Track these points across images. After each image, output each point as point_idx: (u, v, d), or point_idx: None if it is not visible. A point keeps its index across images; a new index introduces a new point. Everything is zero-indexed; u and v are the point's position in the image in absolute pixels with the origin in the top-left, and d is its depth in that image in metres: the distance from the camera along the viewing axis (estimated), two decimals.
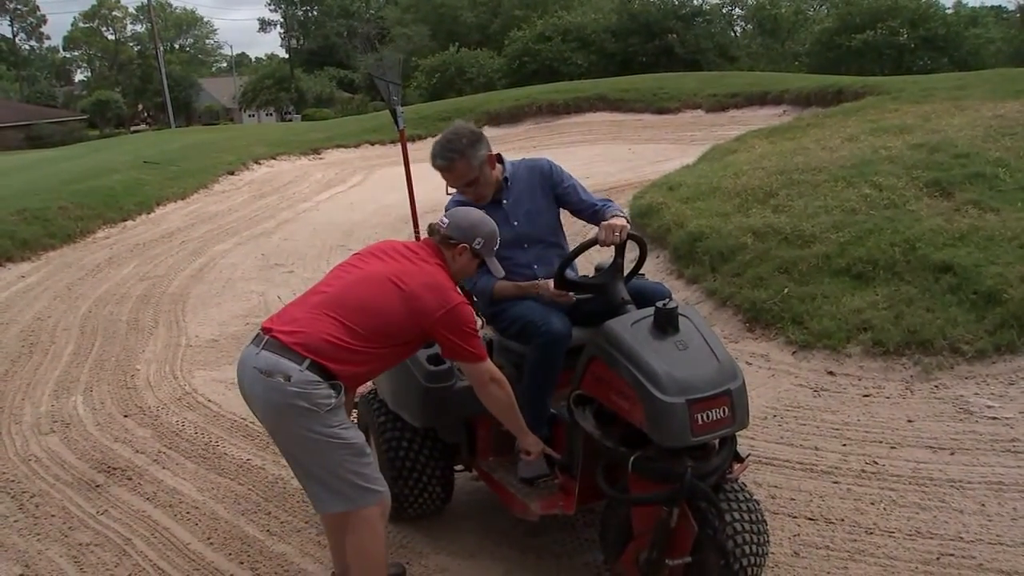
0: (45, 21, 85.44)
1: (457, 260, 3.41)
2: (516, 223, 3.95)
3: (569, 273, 3.84)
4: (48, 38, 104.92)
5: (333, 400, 3.08)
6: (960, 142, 8.85)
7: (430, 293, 3.19)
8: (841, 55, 36.25)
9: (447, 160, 3.82)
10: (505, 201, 3.97)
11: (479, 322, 4.15)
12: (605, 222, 3.64)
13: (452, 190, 3.95)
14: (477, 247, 3.41)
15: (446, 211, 3.84)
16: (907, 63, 34.56)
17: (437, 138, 3.93)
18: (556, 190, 4.02)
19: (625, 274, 3.65)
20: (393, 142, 20.09)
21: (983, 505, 4.06)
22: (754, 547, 3.13)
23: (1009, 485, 4.19)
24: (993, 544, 3.75)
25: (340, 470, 3.13)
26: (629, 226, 3.65)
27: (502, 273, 3.59)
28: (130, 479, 5.05)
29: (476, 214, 3.51)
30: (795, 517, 4.09)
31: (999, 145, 8.61)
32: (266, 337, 3.14)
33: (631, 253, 3.76)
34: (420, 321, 3.19)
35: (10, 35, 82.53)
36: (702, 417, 2.94)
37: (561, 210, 4.10)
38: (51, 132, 51.23)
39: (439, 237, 3.43)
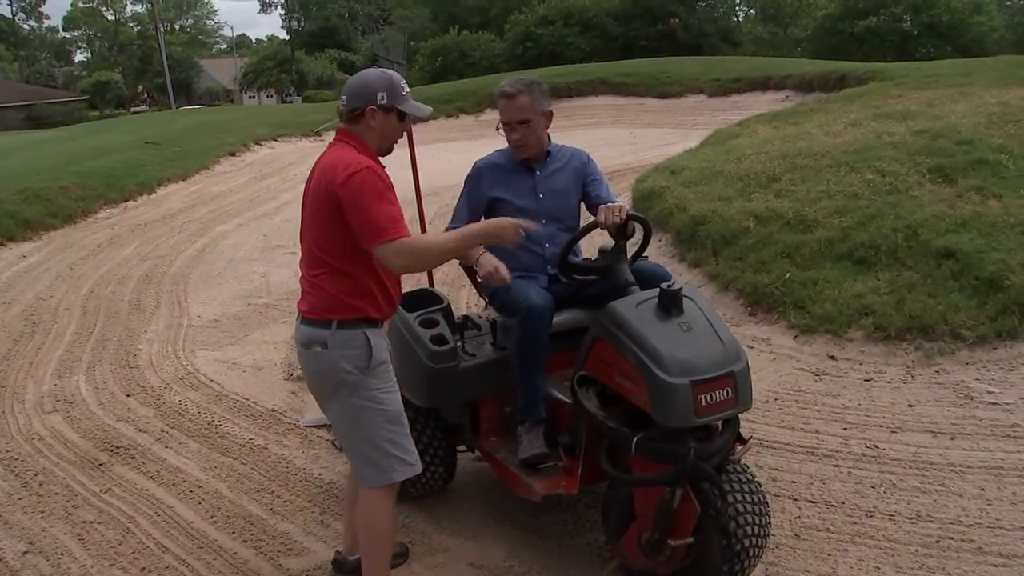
0: (44, 1, 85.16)
1: (373, 127, 3.15)
2: (541, 196, 3.97)
3: (572, 257, 3.85)
4: (48, 18, 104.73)
5: (370, 356, 3.11)
6: (963, 128, 8.84)
7: (332, 170, 3.04)
8: (844, 41, 36.20)
9: (515, 89, 3.85)
10: (538, 172, 4.00)
11: (483, 302, 4.17)
12: (603, 204, 3.64)
13: (500, 129, 3.99)
14: (383, 101, 3.12)
15: (473, 166, 4.02)
16: (910, 50, 34.49)
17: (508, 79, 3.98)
18: (585, 180, 4.05)
19: (630, 256, 3.65)
20: None
21: (982, 489, 4.07)
22: (756, 528, 3.15)
23: (1008, 470, 4.21)
24: (992, 528, 3.77)
25: (375, 437, 3.15)
26: (627, 207, 3.64)
27: (427, 110, 3.39)
28: (133, 458, 5.07)
29: (367, 73, 3.27)
30: (796, 500, 4.11)
31: (1002, 132, 8.60)
32: (300, 312, 3.23)
33: (635, 235, 3.76)
34: (337, 202, 3.00)
35: (9, 15, 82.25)
36: (705, 398, 2.95)
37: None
38: (51, 113, 51.10)
39: (344, 116, 3.19)
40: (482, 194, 4.00)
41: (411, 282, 4.98)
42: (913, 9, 36.10)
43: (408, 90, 3.23)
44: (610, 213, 3.52)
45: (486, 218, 3.88)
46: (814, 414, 4.98)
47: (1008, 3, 48.66)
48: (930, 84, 13.81)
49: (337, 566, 3.67)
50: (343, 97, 3.20)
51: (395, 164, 3.34)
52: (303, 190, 3.29)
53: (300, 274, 3.28)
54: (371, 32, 61.42)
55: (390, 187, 3.04)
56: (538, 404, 3.70)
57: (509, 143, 3.98)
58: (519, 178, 3.98)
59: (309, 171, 3.28)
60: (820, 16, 40.83)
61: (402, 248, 2.96)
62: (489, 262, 3.58)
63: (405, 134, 3.47)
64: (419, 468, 3.27)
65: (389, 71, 3.27)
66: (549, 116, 3.97)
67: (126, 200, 13.33)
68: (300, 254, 3.30)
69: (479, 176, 4.05)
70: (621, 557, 3.35)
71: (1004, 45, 37.30)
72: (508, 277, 3.52)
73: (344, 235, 3.04)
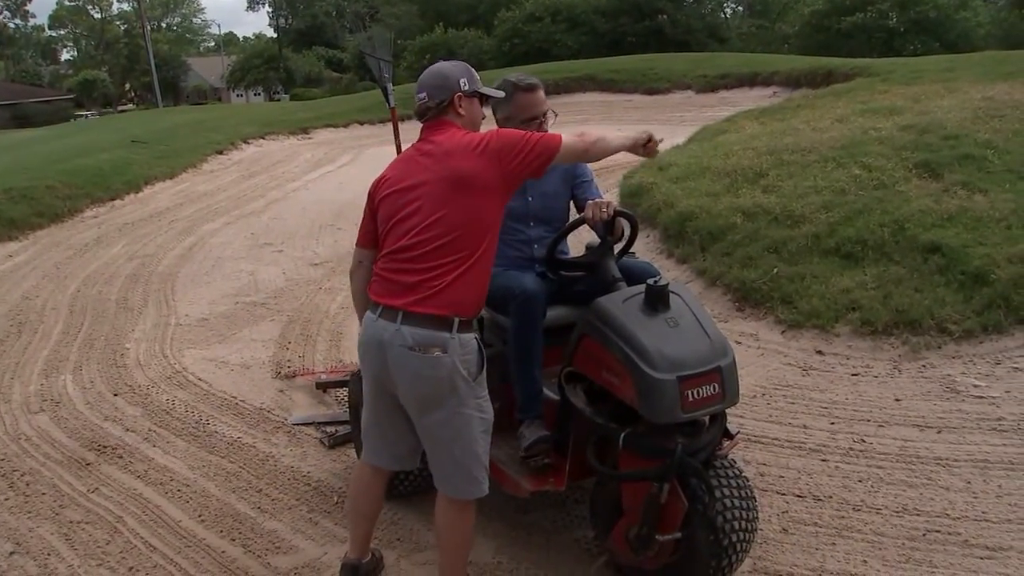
0: (30, 0, 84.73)
1: (462, 114, 3.22)
2: (531, 198, 3.94)
3: (560, 254, 3.85)
4: (33, 16, 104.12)
5: (482, 362, 3.06)
6: (949, 124, 8.88)
7: (462, 147, 3.06)
8: (831, 37, 36.26)
9: (534, 81, 3.85)
10: None
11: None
12: (591, 201, 3.64)
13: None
14: (466, 87, 3.22)
15: None
16: (897, 46, 34.57)
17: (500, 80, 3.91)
18: (575, 181, 4.03)
19: (617, 252, 3.65)
20: (383, 121, 20.06)
21: (969, 482, 4.10)
22: (744, 523, 3.15)
23: (994, 463, 4.23)
24: (979, 520, 3.79)
25: (476, 448, 3.08)
26: (614, 204, 3.63)
27: (500, 93, 3.52)
28: (121, 457, 5.05)
29: (438, 67, 3.33)
30: (784, 494, 4.13)
31: (988, 127, 8.65)
32: (400, 311, 2.99)
33: (623, 232, 3.76)
34: (487, 170, 3.00)
35: None
36: (692, 394, 2.96)
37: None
38: (37, 112, 50.88)
39: (432, 112, 3.22)
40: None
41: None
42: (899, 5, 36.16)
43: (479, 78, 3.33)
44: (597, 209, 3.51)
45: None
46: (802, 409, 5.00)
47: None
48: (916, 80, 13.87)
49: (352, 571, 3.53)
50: (421, 95, 3.22)
51: (381, 167, 3.33)
52: (387, 189, 3.18)
53: (393, 269, 3.07)
54: (358, 30, 61.33)
55: None
56: (537, 399, 3.65)
57: None
58: None
59: (385, 176, 3.24)
60: (807, 12, 40.86)
61: (578, 136, 3.12)
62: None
63: (389, 123, 3.49)
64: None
65: (457, 62, 3.34)
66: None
67: (113, 199, 13.28)
68: (390, 245, 3.12)
69: None
70: (609, 553, 3.37)
71: (990, 41, 37.38)
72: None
73: (491, 213, 3.05)
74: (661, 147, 3.57)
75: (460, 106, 3.20)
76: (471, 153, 3.01)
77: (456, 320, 2.96)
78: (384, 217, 3.18)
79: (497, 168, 2.99)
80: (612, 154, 3.29)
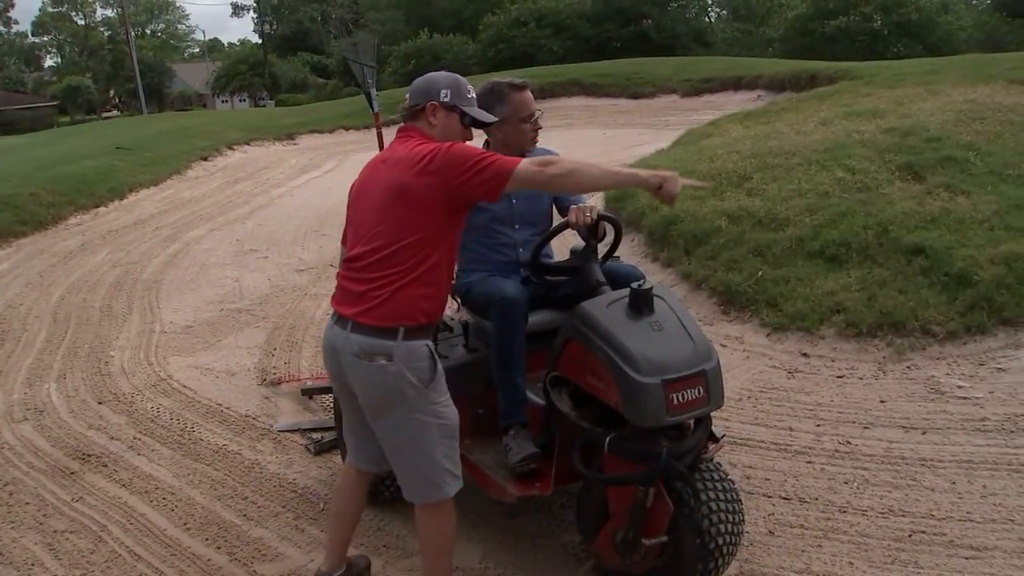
0: (13, 5, 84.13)
1: (433, 124, 3.15)
2: (515, 200, 3.95)
3: (544, 259, 3.85)
4: (16, 23, 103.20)
5: (435, 369, 3.04)
6: (932, 126, 8.93)
7: (414, 157, 2.98)
8: (815, 41, 36.38)
9: (523, 81, 3.88)
10: None
11: (455, 304, 4.17)
12: (574, 205, 3.64)
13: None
14: (446, 99, 3.14)
15: None
16: (880, 49, 34.69)
17: (485, 83, 3.90)
18: None
19: (600, 256, 3.66)
20: (367, 127, 20.02)
21: (954, 483, 4.11)
22: (729, 526, 3.15)
23: (979, 463, 4.25)
24: (963, 521, 3.81)
25: (434, 453, 3.07)
26: (598, 208, 3.64)
27: (491, 118, 3.40)
28: (105, 466, 5.02)
29: (433, 73, 3.31)
30: (770, 497, 4.14)
31: (970, 129, 8.70)
32: (350, 320, 3.01)
33: (607, 236, 3.76)
34: (429, 187, 2.92)
35: None
36: (677, 397, 2.96)
37: None
38: (20, 118, 50.65)
39: (406, 113, 3.19)
40: None
41: None
42: (883, 9, 36.33)
43: (474, 94, 3.25)
44: (580, 214, 3.51)
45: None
46: (787, 411, 5.01)
47: (974, 2, 49.18)
48: (899, 83, 13.93)
49: None
50: (407, 96, 3.21)
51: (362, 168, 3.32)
52: (353, 193, 3.22)
53: (345, 274, 3.11)
54: (343, 35, 61.26)
55: None
56: (521, 405, 3.66)
57: (525, 137, 3.90)
58: None
59: (360, 174, 3.25)
60: (791, 16, 41.02)
61: (541, 162, 2.94)
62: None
63: (374, 128, 3.45)
64: (462, 483, 3.22)
65: (455, 74, 3.29)
66: None
67: (97, 206, 13.22)
68: (347, 254, 3.17)
69: None
70: (596, 557, 3.36)
71: (972, 44, 37.61)
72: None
73: (436, 224, 2.97)
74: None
75: (433, 115, 3.15)
76: (414, 166, 2.96)
77: (402, 329, 2.95)
78: (347, 220, 3.25)
79: (440, 184, 2.92)
80: (602, 190, 3.20)
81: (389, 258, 2.96)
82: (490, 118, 3.36)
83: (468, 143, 3.10)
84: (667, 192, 3.05)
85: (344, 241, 3.32)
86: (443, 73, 3.29)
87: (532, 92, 3.95)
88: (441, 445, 3.08)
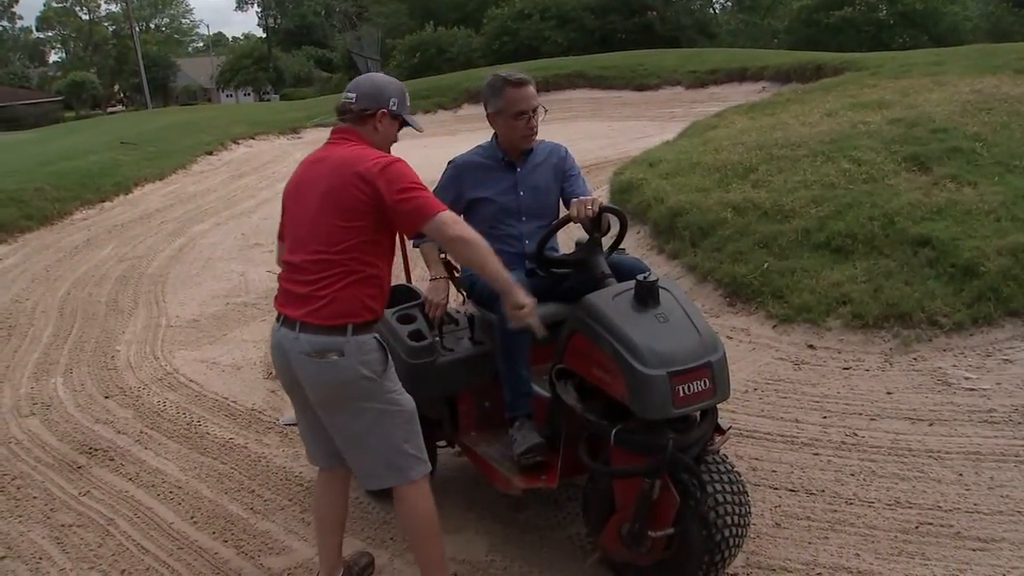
0: (17, 1, 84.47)
1: (378, 131, 3.20)
2: (522, 193, 3.97)
3: (549, 251, 3.84)
4: (21, 18, 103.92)
5: (386, 359, 3.09)
6: (938, 117, 8.90)
7: (356, 163, 3.00)
8: (820, 32, 36.31)
9: (523, 77, 3.87)
10: (519, 169, 3.99)
11: (461, 297, 4.18)
12: (576, 198, 3.64)
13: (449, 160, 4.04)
14: (394, 108, 3.20)
15: (448, 164, 4.03)
16: (886, 39, 34.63)
17: (491, 76, 3.95)
18: (564, 176, 4.05)
19: (606, 248, 3.65)
20: None
21: (961, 475, 4.10)
22: (736, 518, 3.15)
23: (986, 455, 4.24)
24: (970, 512, 3.80)
25: (394, 439, 3.11)
26: (600, 200, 3.63)
27: (422, 128, 3.47)
28: (112, 460, 5.03)
29: (378, 77, 3.35)
30: (776, 489, 4.13)
31: (976, 120, 8.66)
32: (297, 321, 3.03)
33: (613, 228, 3.76)
34: (364, 194, 2.96)
35: None
36: (683, 389, 2.95)
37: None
38: (26, 114, 50.75)
39: (351, 116, 3.19)
40: (462, 195, 3.98)
41: None
42: None
43: (408, 102, 3.32)
44: (582, 207, 3.51)
45: (465, 216, 3.85)
46: (793, 403, 5.00)
47: None
48: (905, 73, 13.87)
49: None
50: (350, 95, 3.19)
51: None
52: (288, 192, 3.23)
53: (287, 276, 3.15)
54: (347, 29, 61.22)
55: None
56: (526, 398, 3.67)
57: (517, 133, 3.90)
58: (500, 176, 3.97)
59: (295, 173, 3.24)
60: (796, 7, 40.90)
61: (456, 220, 3.02)
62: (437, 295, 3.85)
63: None
64: (430, 466, 3.26)
65: (397, 80, 3.33)
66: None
67: (102, 201, 13.23)
68: (284, 256, 3.21)
69: (458, 176, 4.01)
70: (602, 549, 3.36)
71: (979, 34, 37.47)
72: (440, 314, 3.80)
73: (371, 229, 3.01)
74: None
75: (380, 122, 3.19)
76: (354, 176, 2.97)
77: (350, 326, 2.99)
78: (283, 218, 3.27)
79: (373, 195, 2.96)
80: (483, 276, 3.19)
81: (328, 263, 3.01)
82: (422, 127, 3.45)
83: (406, 164, 3.07)
84: (517, 315, 3.05)
85: (281, 237, 3.33)
86: (388, 79, 3.33)
87: (536, 86, 3.94)
88: (400, 430, 3.13)
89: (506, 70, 3.96)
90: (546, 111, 3.98)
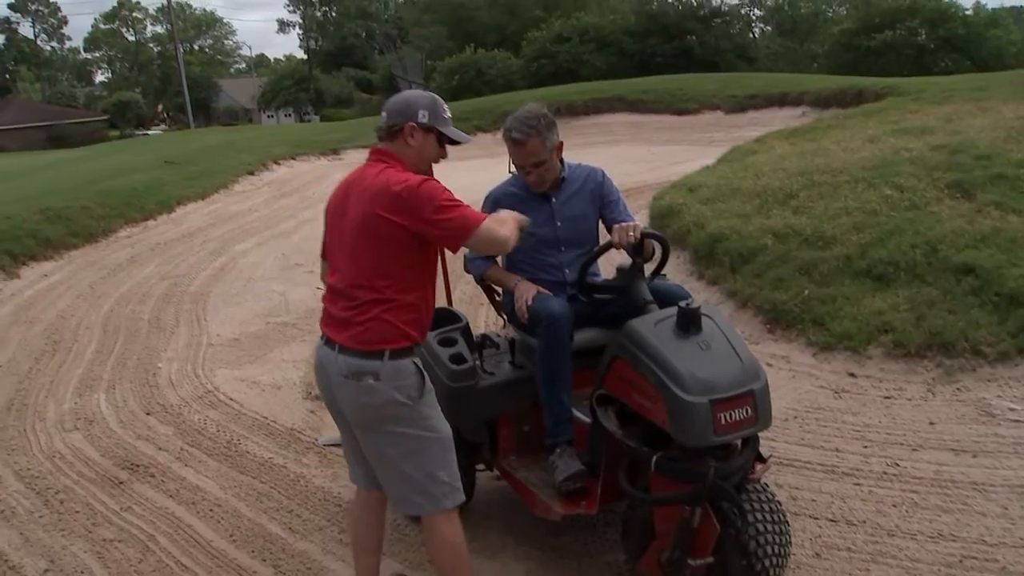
0: (66, 22, 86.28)
1: (411, 145, 3.14)
2: (560, 223, 3.96)
3: (591, 277, 3.85)
4: (69, 39, 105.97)
5: (423, 385, 3.08)
6: (982, 143, 8.81)
7: (386, 191, 2.98)
8: (860, 56, 36.07)
9: (523, 134, 3.78)
10: (554, 199, 3.97)
11: (502, 321, 4.19)
12: (617, 225, 3.64)
13: (512, 169, 3.99)
14: (424, 120, 3.13)
15: (485, 199, 3.96)
16: (927, 64, 34.33)
17: (514, 113, 3.89)
18: (601, 201, 4.03)
19: (648, 274, 3.65)
20: None
21: (1006, 508, 4.03)
22: (776, 548, 3.12)
23: None
24: (1016, 547, 3.73)
25: (428, 466, 3.10)
26: (642, 226, 3.62)
27: (467, 138, 3.37)
28: (153, 476, 5.09)
29: (409, 92, 3.34)
30: (816, 518, 4.09)
31: (1021, 146, 8.55)
32: (337, 343, 3.06)
33: (655, 253, 3.76)
34: (396, 220, 2.95)
35: (32, 36, 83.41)
36: (725, 417, 2.94)
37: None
38: (72, 132, 51.72)
39: (382, 134, 3.18)
40: None
41: None
42: (929, 23, 35.96)
43: (450, 114, 3.25)
44: (624, 233, 3.51)
45: None
46: (834, 432, 4.95)
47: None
48: (948, 99, 13.77)
49: None
50: (383, 115, 3.19)
51: None
52: (329, 211, 3.24)
53: (330, 299, 3.17)
54: (388, 51, 61.73)
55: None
56: (566, 423, 3.66)
57: (528, 180, 3.93)
58: (536, 207, 3.89)
59: (335, 192, 3.24)
60: (836, 31, 40.69)
61: (500, 220, 3.12)
62: (525, 292, 3.74)
63: None
64: (463, 496, 3.24)
65: (432, 93, 3.29)
66: (560, 147, 3.92)
67: (146, 219, 13.40)
68: (328, 276, 3.22)
69: (494, 208, 4.01)
70: None
71: (1022, 59, 37.08)
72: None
73: (408, 255, 3.03)
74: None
75: (411, 136, 3.14)
76: (384, 200, 2.98)
77: (387, 351, 3.00)
78: (325, 236, 3.28)
79: (408, 224, 2.96)
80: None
81: (367, 290, 3.02)
82: (466, 138, 3.34)
83: (438, 181, 3.06)
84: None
85: (324, 255, 3.33)
86: (420, 92, 3.31)
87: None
88: (435, 457, 3.12)
89: (530, 108, 3.86)
90: (557, 152, 3.92)
